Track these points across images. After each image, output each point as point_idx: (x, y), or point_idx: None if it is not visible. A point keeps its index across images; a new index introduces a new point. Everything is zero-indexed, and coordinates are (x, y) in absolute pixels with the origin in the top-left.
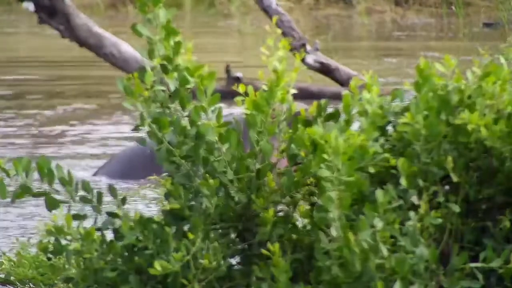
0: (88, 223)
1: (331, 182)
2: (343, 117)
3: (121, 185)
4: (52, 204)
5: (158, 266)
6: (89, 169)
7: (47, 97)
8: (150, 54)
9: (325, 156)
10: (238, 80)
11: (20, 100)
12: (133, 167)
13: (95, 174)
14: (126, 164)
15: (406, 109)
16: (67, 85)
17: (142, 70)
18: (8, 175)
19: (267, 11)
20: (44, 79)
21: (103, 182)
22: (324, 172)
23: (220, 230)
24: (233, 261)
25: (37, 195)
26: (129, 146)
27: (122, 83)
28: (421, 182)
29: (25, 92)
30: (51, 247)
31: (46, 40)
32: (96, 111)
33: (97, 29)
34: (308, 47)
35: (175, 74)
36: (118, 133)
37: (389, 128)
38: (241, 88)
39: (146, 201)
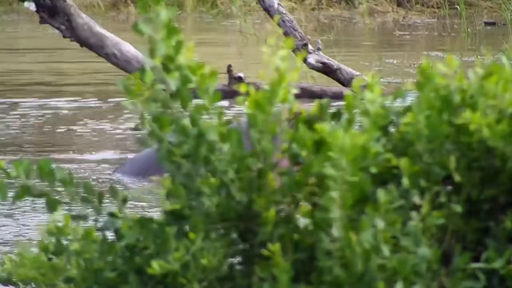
0: (90, 224)
1: (335, 181)
2: (345, 117)
3: (137, 184)
4: (52, 205)
5: (156, 266)
6: (110, 166)
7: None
8: (152, 53)
9: (331, 154)
10: (240, 79)
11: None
12: (153, 166)
13: (113, 172)
14: (146, 163)
15: (408, 109)
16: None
17: (142, 69)
18: (8, 176)
19: (269, 11)
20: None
21: (120, 180)
22: (330, 170)
23: (221, 230)
24: (234, 261)
25: (37, 195)
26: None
27: (122, 82)
28: (423, 182)
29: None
30: (51, 247)
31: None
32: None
33: (99, 29)
34: (310, 47)
35: (177, 74)
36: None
37: (391, 128)
38: (242, 88)
39: (151, 201)
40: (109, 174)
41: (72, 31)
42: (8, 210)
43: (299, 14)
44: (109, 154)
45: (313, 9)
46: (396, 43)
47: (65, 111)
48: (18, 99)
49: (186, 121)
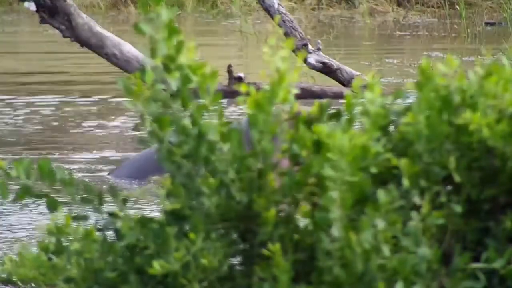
0: (90, 224)
1: (335, 182)
2: (345, 117)
3: (133, 186)
4: (52, 205)
5: (157, 266)
6: (110, 167)
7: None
8: (153, 53)
9: (330, 155)
10: (240, 80)
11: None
12: (151, 167)
13: (109, 173)
14: (143, 164)
15: (408, 109)
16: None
17: (143, 69)
18: (9, 176)
19: (269, 11)
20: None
21: (118, 181)
22: (329, 172)
23: (221, 230)
24: (234, 261)
25: (38, 196)
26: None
27: (123, 82)
28: (423, 182)
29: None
30: (52, 247)
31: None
32: (118, 106)
33: (99, 29)
34: (310, 47)
35: (177, 73)
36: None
37: (391, 128)
38: (243, 88)
39: (150, 201)
40: (108, 175)
41: (72, 31)
42: (7, 209)
43: (299, 14)
44: (109, 154)
45: (313, 9)
46: (396, 43)
47: (65, 111)
48: (17, 98)
49: (187, 121)
